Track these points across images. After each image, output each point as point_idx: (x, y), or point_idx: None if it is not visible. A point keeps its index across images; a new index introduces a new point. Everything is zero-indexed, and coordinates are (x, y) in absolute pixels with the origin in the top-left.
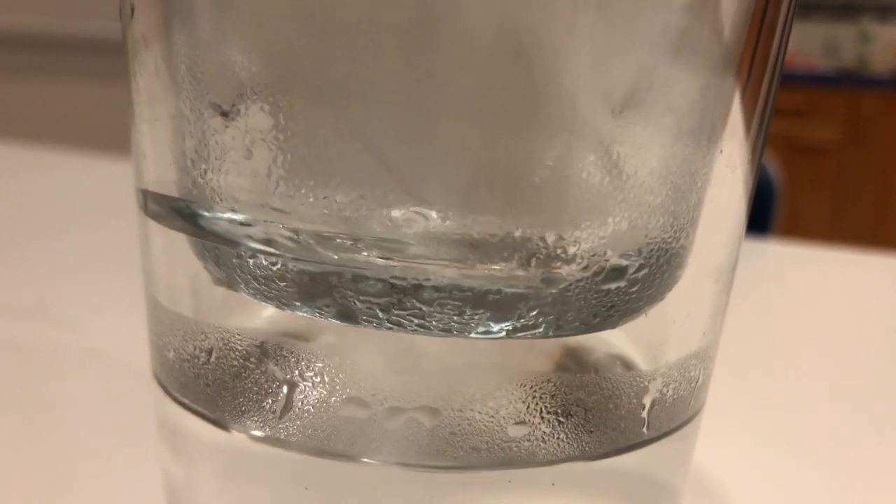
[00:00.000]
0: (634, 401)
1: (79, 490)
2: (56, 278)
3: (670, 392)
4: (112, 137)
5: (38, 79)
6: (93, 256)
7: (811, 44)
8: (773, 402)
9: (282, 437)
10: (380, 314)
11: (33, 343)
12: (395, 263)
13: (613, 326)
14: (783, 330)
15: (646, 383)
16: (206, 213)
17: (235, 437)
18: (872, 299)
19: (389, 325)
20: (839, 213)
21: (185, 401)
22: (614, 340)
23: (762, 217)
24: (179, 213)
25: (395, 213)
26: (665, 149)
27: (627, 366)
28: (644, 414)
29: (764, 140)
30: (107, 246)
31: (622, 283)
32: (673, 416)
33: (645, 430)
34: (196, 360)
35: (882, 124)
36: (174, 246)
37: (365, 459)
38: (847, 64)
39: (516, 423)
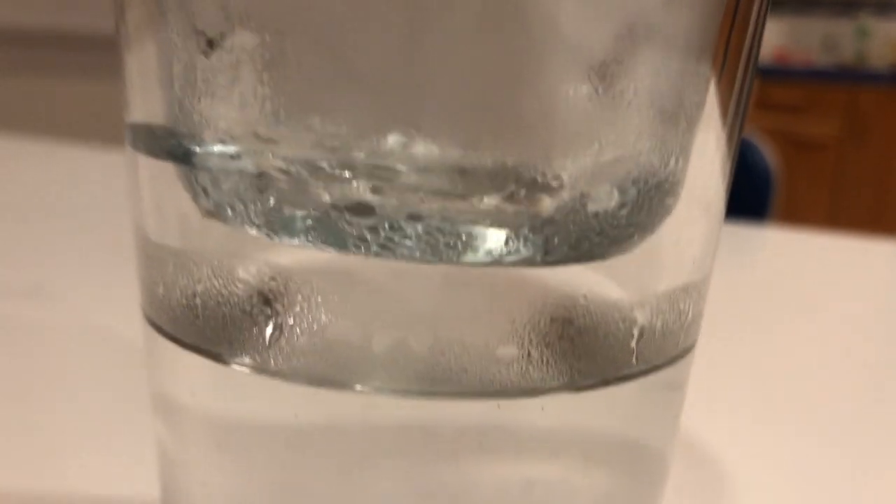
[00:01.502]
0: (623, 329)
1: (75, 461)
2: (53, 262)
3: (659, 323)
4: (108, 130)
5: (37, 75)
6: (88, 242)
7: (809, 39)
8: (771, 380)
9: (272, 365)
10: (368, 238)
11: (29, 322)
12: (385, 201)
13: (603, 258)
14: (781, 312)
15: (634, 312)
16: (196, 149)
17: (226, 369)
18: (870, 283)
19: (378, 249)
20: (837, 208)
21: (176, 335)
22: (603, 274)
23: (760, 207)
24: (170, 152)
25: (385, 139)
26: (652, 68)
27: (616, 295)
28: (633, 344)
29: (741, 126)
30: (102, 232)
31: (610, 206)
32: (663, 350)
33: (634, 360)
34: (185, 292)
35: (880, 119)
36: (163, 179)
37: (357, 387)
38: (845, 59)
39: (505, 347)
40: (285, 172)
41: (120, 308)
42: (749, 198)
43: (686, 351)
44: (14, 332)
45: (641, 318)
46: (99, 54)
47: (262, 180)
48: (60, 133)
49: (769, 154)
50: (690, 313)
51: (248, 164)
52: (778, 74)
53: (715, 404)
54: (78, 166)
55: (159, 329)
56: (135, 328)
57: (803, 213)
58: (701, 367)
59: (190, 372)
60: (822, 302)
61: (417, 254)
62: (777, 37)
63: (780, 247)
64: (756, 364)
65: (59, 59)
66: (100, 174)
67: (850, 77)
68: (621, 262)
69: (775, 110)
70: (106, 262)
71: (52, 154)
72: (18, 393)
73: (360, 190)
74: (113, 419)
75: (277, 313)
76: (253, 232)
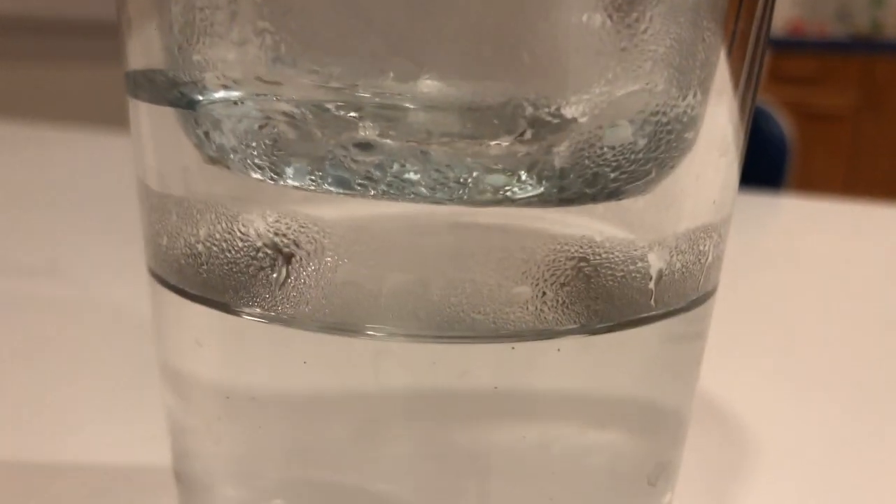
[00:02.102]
0: (641, 269)
1: (89, 433)
2: (67, 242)
3: (679, 265)
4: (119, 114)
5: (51, 62)
6: (101, 222)
7: (823, 9)
8: (788, 345)
9: (280, 312)
10: (375, 177)
11: (44, 299)
12: (393, 142)
13: (619, 196)
14: (797, 279)
15: (653, 252)
16: (199, 98)
17: (232, 319)
18: (887, 250)
19: (386, 188)
20: (854, 180)
21: (181, 286)
22: (620, 215)
23: (776, 178)
24: (171, 98)
25: (391, 76)
26: None
27: (634, 235)
28: (651, 285)
29: (753, 97)
30: (114, 212)
31: (627, 140)
32: (682, 293)
33: (653, 302)
34: (189, 241)
35: None
36: (164, 126)
37: (368, 332)
38: (860, 29)
39: (519, 287)
40: (289, 116)
41: (132, 284)
42: (765, 168)
43: (707, 295)
44: (30, 309)
45: (660, 258)
46: (111, 41)
47: (265, 123)
48: (73, 118)
49: (786, 127)
50: (711, 255)
51: (251, 109)
52: (792, 46)
53: (733, 369)
54: (91, 150)
55: (164, 282)
56: (143, 304)
57: (820, 185)
58: (719, 333)
59: (196, 323)
60: (838, 268)
61: (426, 192)
62: (791, 8)
63: (796, 214)
64: (773, 330)
65: (72, 46)
66: (112, 157)
67: (865, 47)
68: (640, 202)
69: (790, 82)
70: (118, 241)
71: (65, 138)
72: (34, 367)
73: (367, 132)
74: (126, 391)
75: (284, 258)
76: (257, 176)
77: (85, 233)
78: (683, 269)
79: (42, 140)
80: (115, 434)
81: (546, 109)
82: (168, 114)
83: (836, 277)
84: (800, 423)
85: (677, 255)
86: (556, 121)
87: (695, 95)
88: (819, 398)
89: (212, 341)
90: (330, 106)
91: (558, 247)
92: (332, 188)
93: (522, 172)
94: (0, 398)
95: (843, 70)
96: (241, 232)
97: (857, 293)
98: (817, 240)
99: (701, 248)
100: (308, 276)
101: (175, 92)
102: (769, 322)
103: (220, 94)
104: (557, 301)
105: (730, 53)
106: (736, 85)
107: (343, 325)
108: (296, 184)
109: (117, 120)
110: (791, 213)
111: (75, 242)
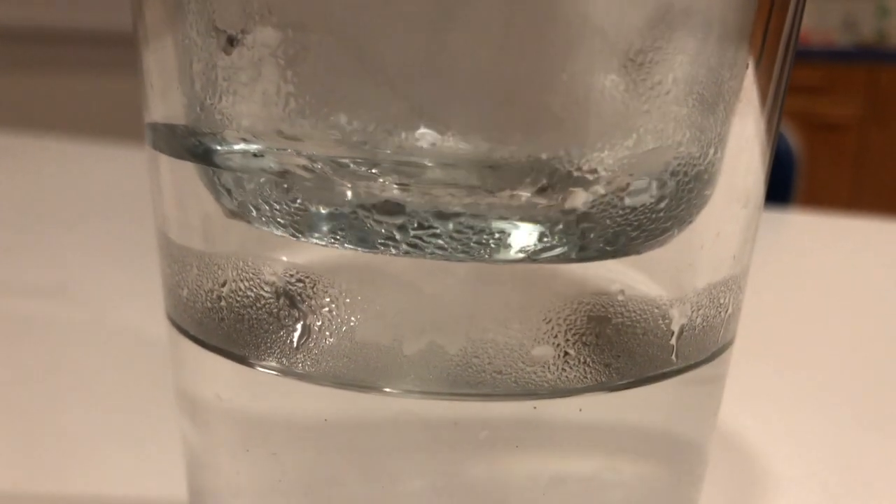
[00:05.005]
0: (663, 326)
1: (101, 461)
2: (74, 261)
3: (700, 319)
4: (131, 128)
5: (59, 72)
6: (110, 241)
7: (829, 19)
8: (797, 362)
9: (300, 368)
10: (397, 237)
11: (53, 320)
12: (411, 198)
13: (639, 252)
14: (806, 296)
15: (675, 309)
16: (218, 148)
17: (252, 372)
18: (892, 264)
19: (407, 247)
20: (860, 190)
21: (201, 338)
22: (639, 272)
23: (783, 191)
24: (192, 151)
25: (411, 135)
26: (690, 55)
27: (655, 292)
28: (673, 341)
29: (780, 114)
30: (124, 231)
31: (649, 200)
32: (703, 346)
33: (674, 357)
34: (210, 295)
35: None
36: (184, 179)
37: (387, 389)
38: (866, 38)
39: (541, 346)
40: (309, 170)
41: (142, 307)
42: (772, 181)
43: (726, 346)
44: (37, 331)
45: (681, 314)
46: (123, 51)
47: (285, 179)
48: (82, 131)
49: (791, 137)
50: (731, 307)
51: (271, 163)
52: (798, 55)
53: (740, 389)
54: (101, 165)
55: (184, 332)
56: (157, 327)
57: (826, 195)
58: None
59: (216, 375)
60: (847, 286)
61: (448, 252)
62: None
63: (803, 230)
64: (781, 347)
65: (84, 56)
66: (122, 172)
67: (871, 56)
68: (661, 259)
69: (796, 92)
70: (128, 261)
71: (74, 153)
72: (42, 393)
73: (386, 187)
74: (138, 418)
75: (305, 315)
76: (278, 232)
77: (95, 251)
78: (704, 324)
79: (51, 152)
80: (128, 464)
81: (566, 167)
82: (188, 167)
83: (846, 295)
84: (809, 443)
85: (698, 310)
86: (575, 177)
87: (715, 151)
88: (829, 419)
89: (231, 394)
90: (347, 161)
91: (579, 307)
92: (353, 247)
93: (544, 233)
94: (6, 424)
95: (849, 79)
96: (262, 289)
97: (869, 312)
98: (826, 256)
99: (721, 301)
100: (328, 333)
101: (194, 140)
102: (776, 344)
103: (239, 147)
104: (579, 360)
105: (757, 68)
106: (761, 136)
107: (363, 383)
108: (318, 242)
109: (129, 133)
110: (799, 229)
111: (85, 261)
